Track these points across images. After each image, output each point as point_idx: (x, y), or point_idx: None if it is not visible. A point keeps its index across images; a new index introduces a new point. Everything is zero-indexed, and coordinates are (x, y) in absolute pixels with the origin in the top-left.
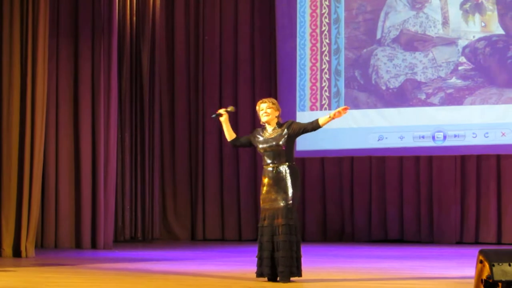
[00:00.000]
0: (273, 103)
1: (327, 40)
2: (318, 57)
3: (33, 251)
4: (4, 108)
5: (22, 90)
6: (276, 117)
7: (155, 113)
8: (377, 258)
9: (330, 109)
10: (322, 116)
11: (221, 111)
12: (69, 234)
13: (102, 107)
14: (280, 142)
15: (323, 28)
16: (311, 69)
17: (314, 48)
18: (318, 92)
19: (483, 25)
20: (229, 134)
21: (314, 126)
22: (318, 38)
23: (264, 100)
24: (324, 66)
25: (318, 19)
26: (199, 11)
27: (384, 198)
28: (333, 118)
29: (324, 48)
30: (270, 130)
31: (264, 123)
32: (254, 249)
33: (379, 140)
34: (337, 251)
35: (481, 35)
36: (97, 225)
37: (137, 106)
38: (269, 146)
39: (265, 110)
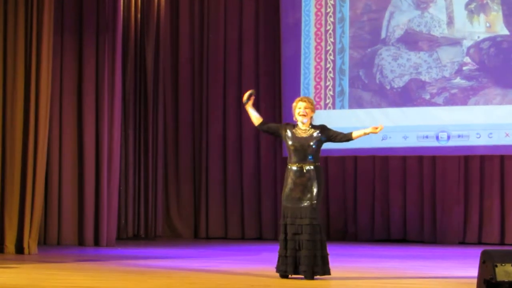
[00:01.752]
0: (311, 104)
1: (331, 39)
2: (323, 56)
3: (36, 248)
4: (8, 105)
5: (26, 87)
6: (311, 117)
7: (159, 110)
8: (380, 258)
9: (334, 108)
10: (356, 130)
11: (250, 92)
12: (72, 231)
13: (106, 104)
14: (311, 143)
15: (328, 27)
16: (316, 68)
17: (319, 47)
18: (322, 91)
19: (488, 26)
20: (256, 118)
21: (347, 138)
22: (323, 37)
23: (304, 98)
24: (328, 65)
25: (323, 18)
26: (203, 9)
27: (387, 198)
28: (367, 134)
29: (328, 47)
30: (302, 129)
31: (297, 120)
32: (257, 248)
33: (382, 139)
34: (340, 251)
35: (486, 35)
36: (100, 222)
37: (141, 104)
38: (300, 145)
39: (303, 109)
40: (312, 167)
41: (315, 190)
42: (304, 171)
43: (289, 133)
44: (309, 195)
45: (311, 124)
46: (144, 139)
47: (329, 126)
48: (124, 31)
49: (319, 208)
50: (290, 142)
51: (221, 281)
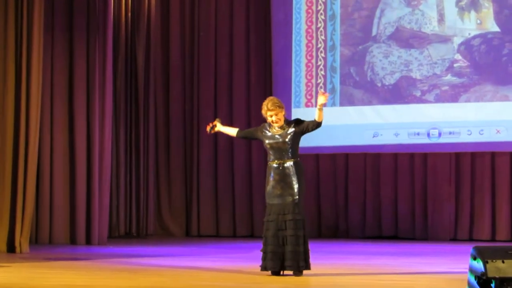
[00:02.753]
0: (279, 107)
1: (322, 37)
2: (314, 53)
3: (28, 246)
4: None
5: (17, 86)
6: (283, 116)
7: (150, 109)
8: (372, 255)
9: (325, 106)
10: (315, 115)
11: (211, 125)
12: (64, 230)
13: (97, 102)
14: (287, 139)
15: (319, 25)
16: (307, 66)
17: (310, 44)
18: (314, 88)
19: (479, 23)
20: (231, 132)
21: (316, 124)
22: (314, 34)
23: (270, 106)
24: (319, 63)
25: (314, 15)
26: (194, 8)
27: (378, 195)
28: (321, 108)
29: (319, 45)
30: (277, 127)
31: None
32: (248, 245)
33: (374, 136)
34: (332, 248)
35: (477, 32)
36: (91, 221)
37: (132, 102)
38: (276, 143)
39: (275, 117)
40: (291, 163)
41: (296, 186)
42: (284, 167)
43: (265, 133)
44: (290, 191)
45: (285, 120)
46: (135, 137)
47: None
48: (115, 30)
49: (302, 203)
50: (266, 141)
51: (213, 279)
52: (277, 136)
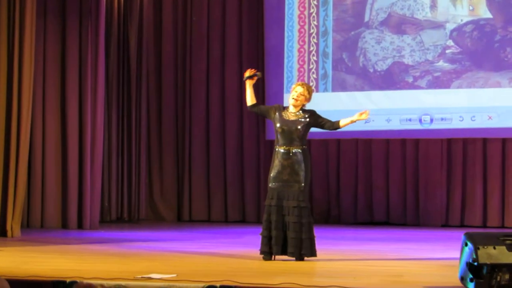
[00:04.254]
0: (308, 92)
1: (315, 22)
2: (306, 39)
3: (19, 231)
4: None
5: (9, 70)
6: (303, 104)
7: (142, 94)
8: (363, 241)
9: (317, 91)
10: (344, 118)
11: (255, 71)
12: (55, 214)
13: (89, 87)
14: (299, 127)
15: (311, 10)
16: (299, 51)
17: (302, 30)
18: (306, 74)
19: (471, 9)
20: (251, 99)
21: (334, 126)
22: (306, 20)
23: (304, 84)
24: (312, 48)
25: (306, 1)
26: None
27: (370, 181)
28: (353, 121)
29: (312, 30)
30: (292, 112)
31: (289, 102)
32: (240, 230)
33: (366, 122)
34: (323, 233)
35: (469, 18)
36: (83, 205)
37: (124, 87)
38: (288, 128)
39: (298, 95)
40: (299, 150)
41: (302, 173)
42: (291, 153)
43: (278, 115)
44: (296, 178)
45: (301, 108)
46: (127, 122)
47: (312, 108)
48: (107, 14)
49: (307, 190)
50: (278, 125)
51: (204, 264)
52: (290, 121)
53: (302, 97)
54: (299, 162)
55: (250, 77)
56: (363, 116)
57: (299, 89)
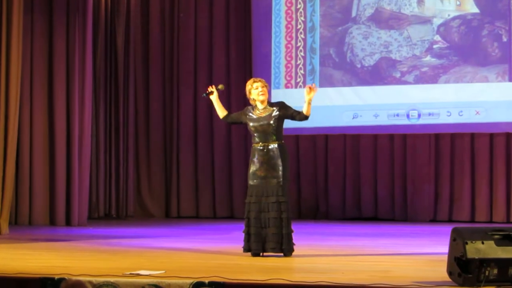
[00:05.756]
0: (265, 82)
1: (302, 18)
2: (293, 34)
3: (7, 228)
4: None
5: None
6: (267, 92)
7: (129, 90)
8: (351, 236)
9: (305, 86)
10: (303, 107)
11: (211, 89)
12: (43, 211)
13: (76, 83)
14: (271, 121)
15: (298, 6)
16: (286, 47)
17: (289, 25)
18: (293, 69)
19: (458, 4)
20: (221, 111)
21: (301, 117)
22: (293, 15)
23: (256, 79)
24: (299, 44)
25: None
26: None
27: (358, 176)
28: (309, 102)
29: (299, 26)
30: (261, 109)
31: (255, 101)
32: (228, 227)
33: (353, 118)
34: (311, 229)
35: (456, 13)
36: (71, 202)
37: (111, 83)
38: (260, 125)
39: (261, 89)
40: (276, 145)
41: (280, 168)
42: (268, 149)
43: (249, 116)
44: (274, 173)
45: (268, 102)
46: (115, 119)
47: (300, 104)
48: (94, 11)
49: (286, 186)
50: (251, 124)
51: (193, 260)
52: (261, 118)
53: (265, 89)
54: (276, 157)
55: (207, 95)
56: (312, 94)
57: (258, 84)
